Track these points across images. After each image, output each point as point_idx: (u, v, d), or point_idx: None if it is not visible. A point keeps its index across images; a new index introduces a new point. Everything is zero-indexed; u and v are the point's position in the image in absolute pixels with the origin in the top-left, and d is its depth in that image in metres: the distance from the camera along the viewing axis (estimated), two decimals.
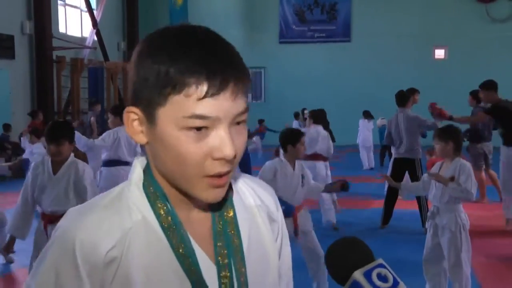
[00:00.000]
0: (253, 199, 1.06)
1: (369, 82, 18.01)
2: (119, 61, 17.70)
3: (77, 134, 5.60)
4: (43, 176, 3.65)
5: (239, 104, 0.88)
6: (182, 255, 0.93)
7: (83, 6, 16.32)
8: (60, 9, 15.64)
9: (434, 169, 4.32)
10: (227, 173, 0.90)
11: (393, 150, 7.19)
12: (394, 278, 0.98)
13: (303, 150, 4.48)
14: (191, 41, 0.88)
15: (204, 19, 17.80)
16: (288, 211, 4.22)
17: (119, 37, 18.77)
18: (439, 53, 18.21)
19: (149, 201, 0.94)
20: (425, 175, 4.52)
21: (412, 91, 8.77)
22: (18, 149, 11.44)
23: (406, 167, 6.81)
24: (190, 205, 0.97)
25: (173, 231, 0.93)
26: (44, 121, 12.97)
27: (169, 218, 0.94)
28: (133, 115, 0.92)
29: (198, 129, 0.86)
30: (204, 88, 0.84)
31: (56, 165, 3.67)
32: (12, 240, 3.85)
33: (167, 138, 0.88)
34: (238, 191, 1.04)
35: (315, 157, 6.84)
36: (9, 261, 5.33)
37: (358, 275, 0.97)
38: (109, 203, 0.94)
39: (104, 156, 6.27)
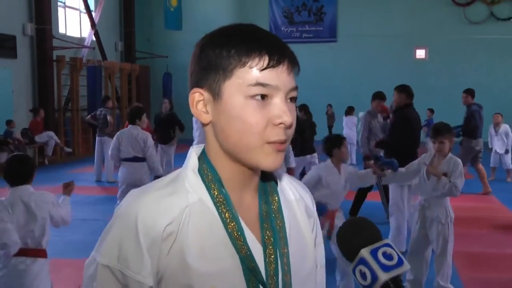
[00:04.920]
0: (293, 194, 1.12)
1: (353, 80, 18.18)
2: (116, 61, 17.82)
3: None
4: None
5: (293, 80, 0.98)
6: (233, 233, 0.97)
7: (82, 7, 16.41)
8: (60, 11, 15.61)
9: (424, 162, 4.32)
10: (285, 141, 0.97)
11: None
12: (399, 257, 1.00)
13: (346, 152, 4.45)
14: (248, 29, 1.00)
15: (197, 20, 18.27)
16: (320, 210, 4.04)
17: (117, 37, 18.71)
18: (420, 53, 18.41)
19: (204, 183, 1.00)
20: (414, 164, 4.48)
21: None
22: (20, 144, 11.46)
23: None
24: (242, 189, 1.03)
25: (226, 211, 0.98)
26: (45, 117, 13.10)
27: (223, 199, 0.99)
28: (198, 96, 0.99)
29: (262, 97, 0.94)
30: (265, 60, 0.94)
31: None
32: None
33: (233, 109, 0.95)
34: (281, 185, 1.11)
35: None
36: None
37: (364, 252, 0.99)
38: (167, 185, 1.00)
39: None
